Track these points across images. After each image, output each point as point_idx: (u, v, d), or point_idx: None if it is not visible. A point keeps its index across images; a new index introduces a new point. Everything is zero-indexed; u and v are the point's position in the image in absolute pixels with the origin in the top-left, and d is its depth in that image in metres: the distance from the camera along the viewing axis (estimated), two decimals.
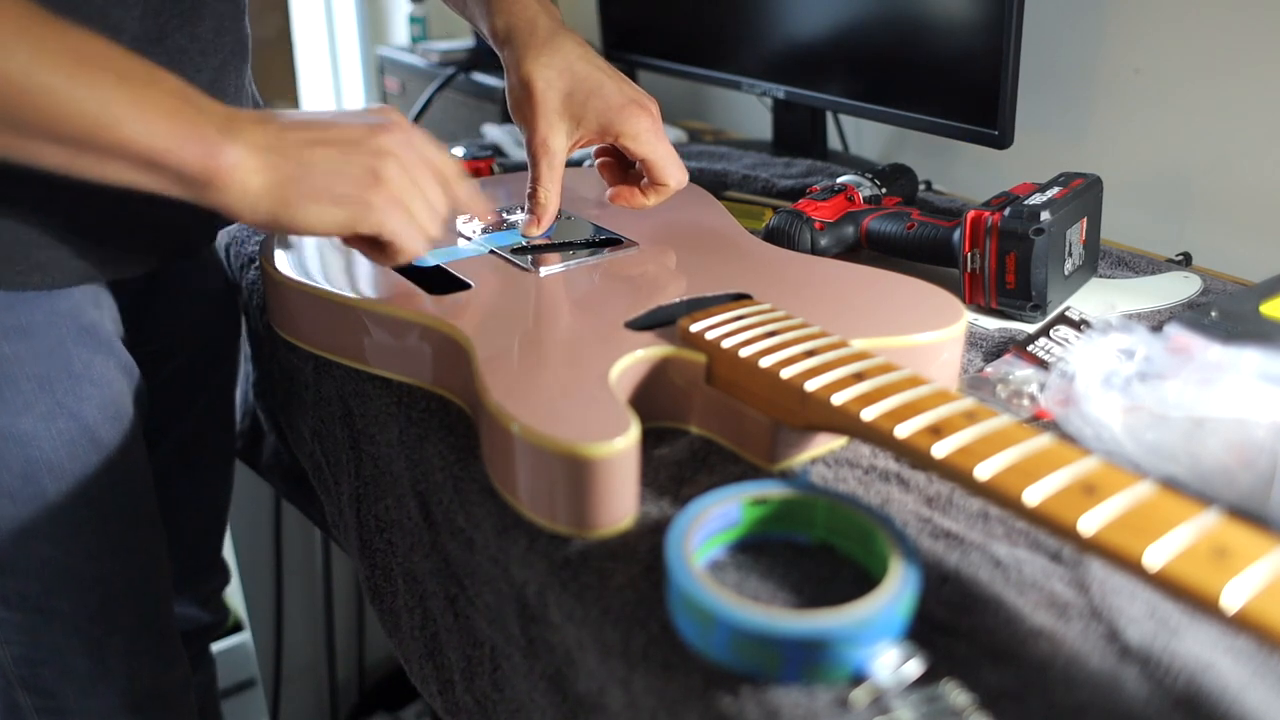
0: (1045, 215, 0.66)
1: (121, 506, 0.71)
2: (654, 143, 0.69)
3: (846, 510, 0.45)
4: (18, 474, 0.64)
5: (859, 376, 0.47)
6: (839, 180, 0.83)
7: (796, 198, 0.82)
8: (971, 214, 0.69)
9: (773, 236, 0.77)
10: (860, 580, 0.44)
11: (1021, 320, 0.70)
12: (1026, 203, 0.68)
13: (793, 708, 0.38)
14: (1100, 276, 0.77)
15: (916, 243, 0.75)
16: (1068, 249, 0.70)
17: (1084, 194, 0.72)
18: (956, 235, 0.71)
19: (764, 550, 0.46)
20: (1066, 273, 0.70)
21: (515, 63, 0.68)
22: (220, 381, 0.87)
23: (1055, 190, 0.71)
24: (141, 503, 0.73)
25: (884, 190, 0.83)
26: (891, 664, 0.38)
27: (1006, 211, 0.68)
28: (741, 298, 0.60)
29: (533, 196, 0.69)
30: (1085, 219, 0.72)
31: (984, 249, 0.69)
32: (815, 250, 0.76)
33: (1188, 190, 0.90)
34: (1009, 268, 0.68)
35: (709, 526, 0.44)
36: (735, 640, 0.38)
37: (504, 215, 0.75)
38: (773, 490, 0.46)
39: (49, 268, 0.63)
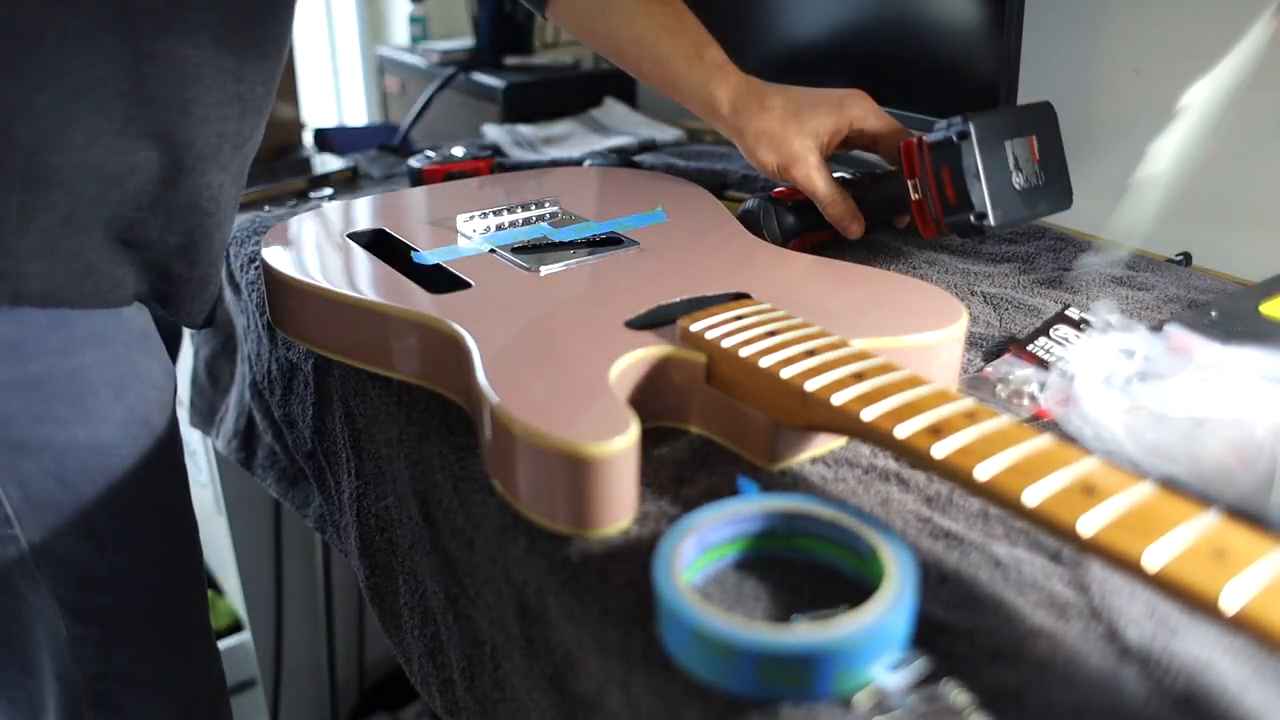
0: (970, 121, 0.68)
1: (182, 510, 0.71)
2: (882, 116, 0.77)
3: (825, 520, 0.44)
4: (102, 487, 0.63)
5: (859, 376, 0.47)
6: None
7: None
8: (904, 143, 0.71)
9: (745, 220, 0.78)
10: (857, 589, 0.44)
11: (972, 237, 0.70)
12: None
13: (793, 707, 0.38)
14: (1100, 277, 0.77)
15: (876, 201, 0.77)
16: (1013, 161, 0.70)
17: (1026, 111, 0.73)
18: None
19: (754, 566, 0.46)
20: (1019, 187, 0.70)
21: (746, 129, 0.78)
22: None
23: None
24: (190, 504, 0.73)
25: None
26: (894, 667, 0.38)
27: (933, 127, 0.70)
28: (741, 297, 0.60)
29: (837, 220, 0.76)
30: (1035, 137, 0.72)
31: (922, 174, 0.71)
32: (784, 228, 0.78)
33: (1188, 190, 0.89)
34: (946, 181, 0.69)
35: (691, 552, 0.43)
36: (736, 661, 0.38)
37: (504, 215, 0.75)
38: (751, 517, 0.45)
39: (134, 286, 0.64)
